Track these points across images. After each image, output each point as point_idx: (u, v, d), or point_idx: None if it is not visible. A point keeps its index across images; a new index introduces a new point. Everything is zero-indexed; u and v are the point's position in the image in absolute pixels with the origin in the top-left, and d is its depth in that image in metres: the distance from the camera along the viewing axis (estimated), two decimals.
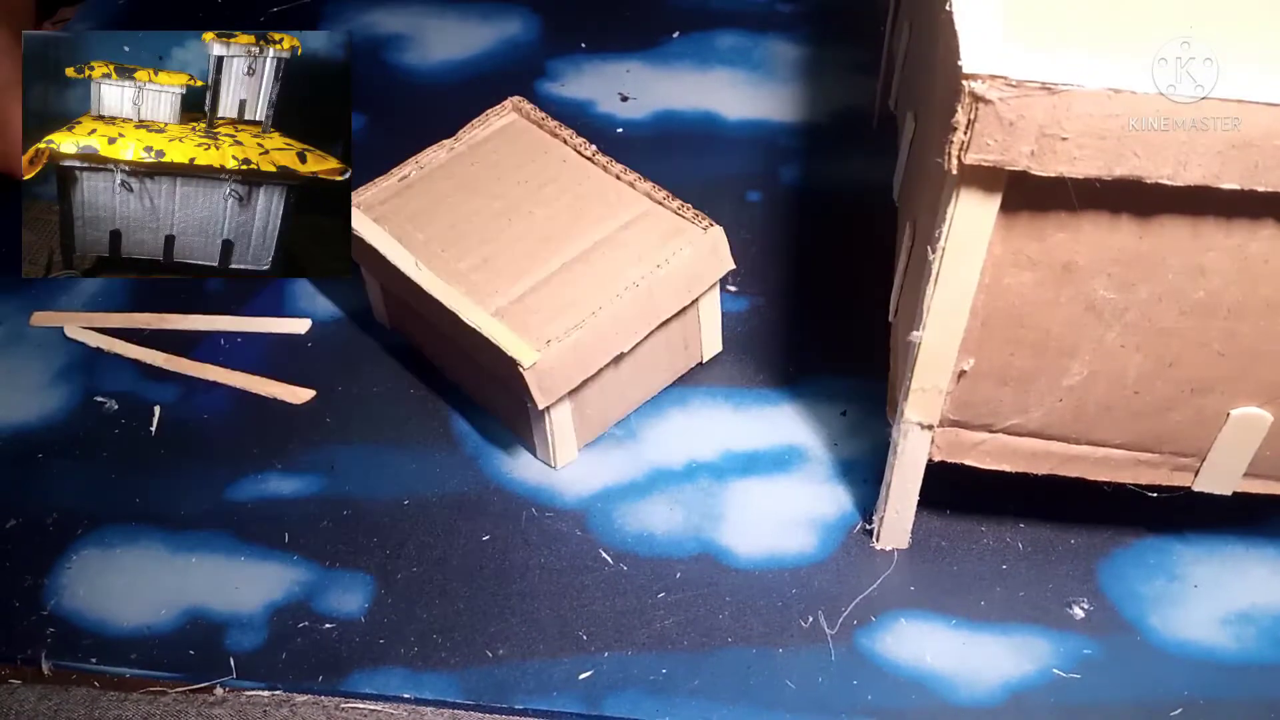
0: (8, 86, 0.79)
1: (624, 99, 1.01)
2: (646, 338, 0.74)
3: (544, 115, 0.83)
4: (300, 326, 0.83)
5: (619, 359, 0.73)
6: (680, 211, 0.76)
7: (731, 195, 0.92)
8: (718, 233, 0.75)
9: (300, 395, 0.80)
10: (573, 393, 0.73)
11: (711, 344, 0.81)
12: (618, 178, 0.79)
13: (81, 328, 0.85)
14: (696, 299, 0.76)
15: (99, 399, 0.81)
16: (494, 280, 0.73)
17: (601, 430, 0.78)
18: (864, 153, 0.95)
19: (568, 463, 0.76)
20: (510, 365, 0.69)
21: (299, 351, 0.83)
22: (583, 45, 1.06)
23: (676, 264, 0.73)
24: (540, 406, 0.70)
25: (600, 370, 0.73)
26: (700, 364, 0.81)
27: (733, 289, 0.86)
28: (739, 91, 1.01)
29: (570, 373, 0.71)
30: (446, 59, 1.06)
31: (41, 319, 0.85)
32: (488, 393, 0.78)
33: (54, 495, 0.76)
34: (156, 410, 0.80)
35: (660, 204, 0.77)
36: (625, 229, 0.76)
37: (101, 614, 0.71)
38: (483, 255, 0.74)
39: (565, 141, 0.81)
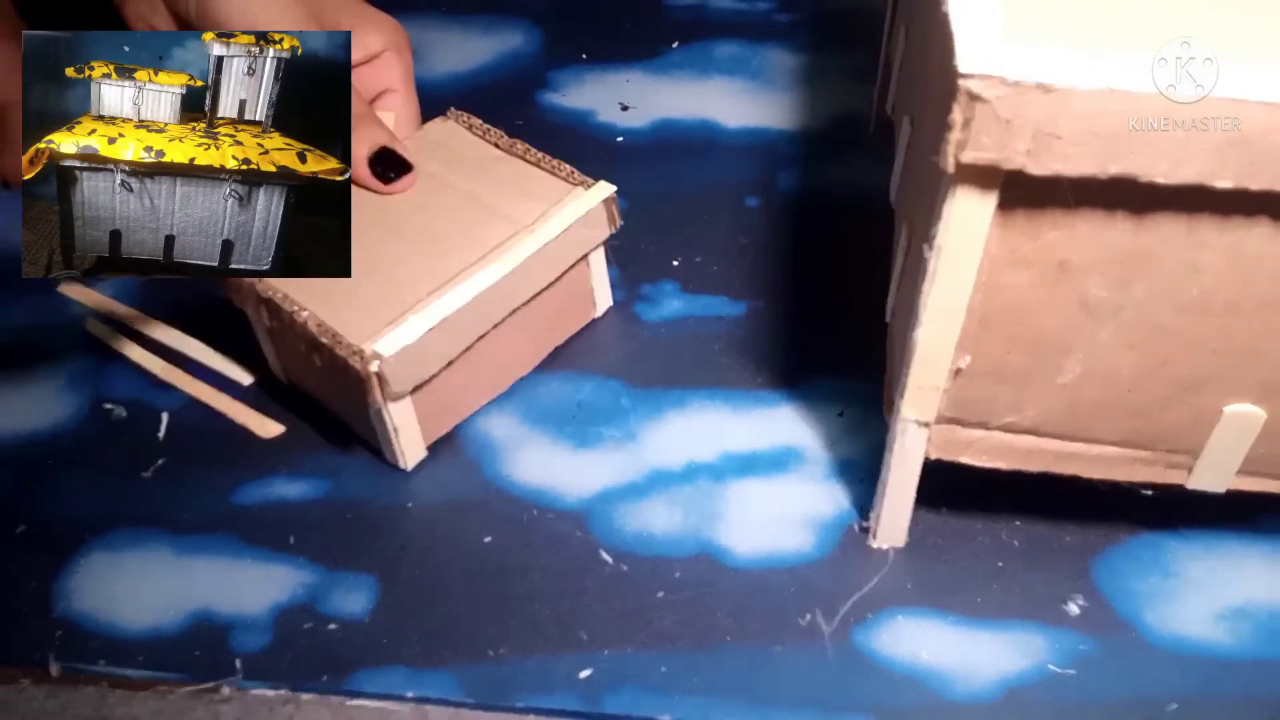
0: (15, 102, 0.79)
1: (624, 108, 1.01)
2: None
3: (479, 124, 0.85)
4: (245, 378, 0.84)
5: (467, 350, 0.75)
6: (565, 177, 0.80)
7: (730, 201, 0.93)
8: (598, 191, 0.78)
9: (270, 429, 0.80)
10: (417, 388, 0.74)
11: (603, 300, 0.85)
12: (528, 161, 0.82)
13: (100, 322, 0.86)
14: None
15: (107, 405, 0.82)
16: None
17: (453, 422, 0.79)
18: (861, 158, 0.95)
19: (417, 462, 0.77)
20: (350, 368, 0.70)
21: None
22: (583, 56, 1.07)
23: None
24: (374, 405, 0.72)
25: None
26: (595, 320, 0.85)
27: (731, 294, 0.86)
28: (738, 99, 1.02)
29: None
30: (449, 71, 1.07)
31: (69, 290, 0.87)
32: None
33: (62, 501, 0.77)
34: (165, 416, 0.81)
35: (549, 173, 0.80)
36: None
37: (109, 617, 0.71)
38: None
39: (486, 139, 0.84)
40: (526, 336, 0.80)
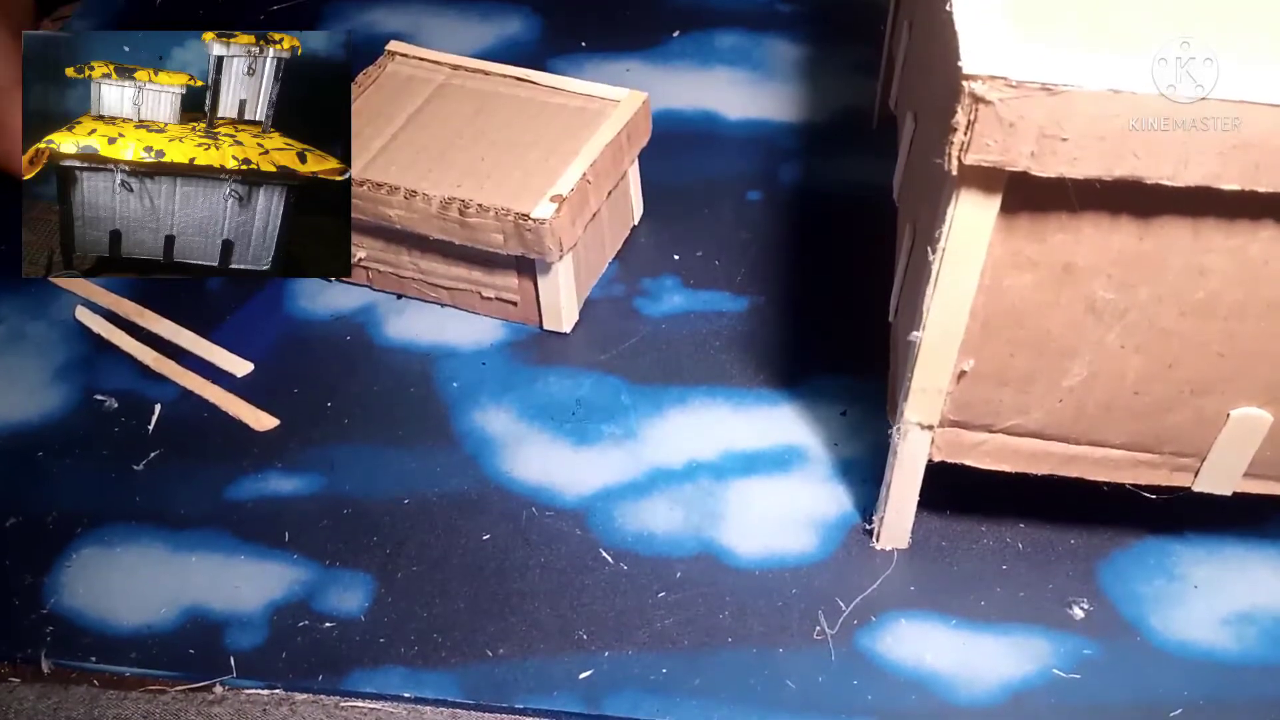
0: (8, 87, 0.79)
1: None
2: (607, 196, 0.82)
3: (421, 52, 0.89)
4: (239, 370, 0.83)
5: (594, 217, 0.80)
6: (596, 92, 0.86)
7: (731, 194, 0.92)
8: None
9: (264, 422, 0.79)
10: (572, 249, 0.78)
11: (638, 207, 0.90)
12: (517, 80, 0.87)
13: (91, 312, 0.85)
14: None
15: (99, 397, 0.81)
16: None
17: (584, 294, 0.85)
18: (864, 153, 0.95)
19: (573, 324, 0.83)
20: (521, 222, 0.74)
21: (299, 350, 0.83)
22: (583, 44, 1.06)
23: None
24: (552, 259, 0.76)
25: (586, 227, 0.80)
26: (634, 226, 0.91)
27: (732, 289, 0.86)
28: (739, 91, 1.01)
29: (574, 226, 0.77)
30: None
31: (62, 281, 0.86)
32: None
33: (54, 494, 0.76)
34: (157, 408, 0.80)
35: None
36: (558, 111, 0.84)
37: (101, 613, 0.70)
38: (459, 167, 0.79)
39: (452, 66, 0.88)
40: (606, 232, 0.85)
